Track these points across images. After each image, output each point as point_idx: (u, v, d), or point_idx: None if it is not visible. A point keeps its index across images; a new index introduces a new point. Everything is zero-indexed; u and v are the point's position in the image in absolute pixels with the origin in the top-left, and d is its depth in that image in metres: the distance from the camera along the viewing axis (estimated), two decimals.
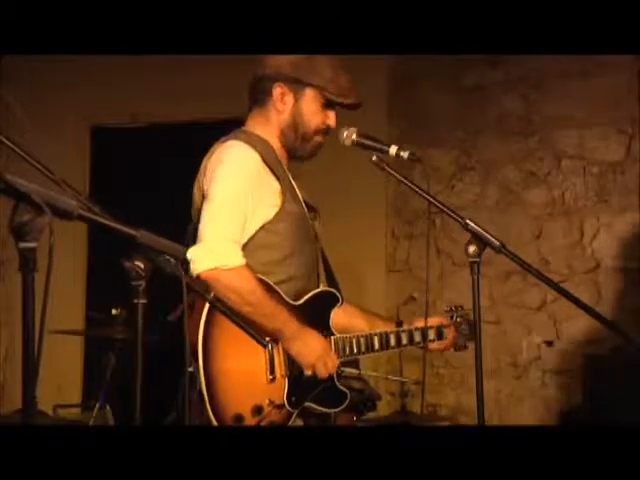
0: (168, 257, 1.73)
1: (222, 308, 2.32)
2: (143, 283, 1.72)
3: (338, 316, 2.70)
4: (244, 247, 2.53)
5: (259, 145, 2.61)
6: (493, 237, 2.36)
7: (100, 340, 4.40)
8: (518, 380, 4.82)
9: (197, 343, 2.38)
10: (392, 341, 2.75)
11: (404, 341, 2.78)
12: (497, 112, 4.96)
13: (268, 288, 2.53)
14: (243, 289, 2.46)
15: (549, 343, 4.77)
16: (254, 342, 2.37)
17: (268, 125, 2.69)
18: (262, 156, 2.59)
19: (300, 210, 2.68)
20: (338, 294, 2.71)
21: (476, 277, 2.35)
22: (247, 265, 2.48)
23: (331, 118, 2.71)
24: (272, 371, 2.51)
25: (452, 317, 2.92)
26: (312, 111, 2.67)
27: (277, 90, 2.66)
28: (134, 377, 1.73)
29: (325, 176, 4.33)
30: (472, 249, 2.36)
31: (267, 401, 2.48)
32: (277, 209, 2.59)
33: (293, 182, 2.71)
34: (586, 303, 2.51)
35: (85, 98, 5.47)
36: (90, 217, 1.62)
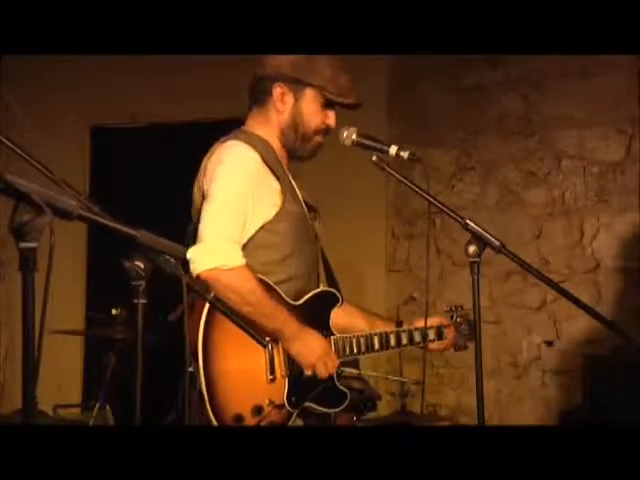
0: (168, 257, 1.73)
1: (222, 308, 2.32)
2: (143, 283, 1.72)
3: (338, 316, 2.70)
4: (244, 247, 2.53)
5: (259, 145, 2.61)
6: (493, 237, 2.36)
7: (100, 340, 4.40)
8: (518, 380, 4.82)
9: (197, 343, 2.38)
10: (392, 341, 2.75)
11: (404, 341, 2.78)
12: (497, 112, 4.96)
13: (268, 288, 2.53)
14: (243, 289, 2.46)
15: (549, 343, 4.77)
16: (254, 342, 2.37)
17: (268, 125, 2.69)
18: (262, 156, 2.59)
19: (300, 210, 2.68)
20: (338, 294, 2.71)
21: (476, 277, 2.35)
22: (247, 265, 2.48)
23: (331, 118, 2.71)
24: (272, 371, 2.51)
25: (452, 317, 2.92)
26: (312, 111, 2.67)
27: (277, 90, 2.66)
28: (134, 377, 1.73)
29: (325, 176, 4.33)
30: (472, 249, 2.36)
31: (267, 401, 2.48)
32: (277, 209, 2.59)
33: (293, 182, 2.71)
34: (586, 303, 2.51)
35: (85, 98, 5.47)
36: (90, 217, 1.62)
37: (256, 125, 2.69)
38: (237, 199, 2.51)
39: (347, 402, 2.66)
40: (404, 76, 5.14)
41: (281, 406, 2.51)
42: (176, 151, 4.99)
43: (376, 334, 2.73)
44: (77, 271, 5.56)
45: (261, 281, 2.51)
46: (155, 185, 5.29)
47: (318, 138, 2.71)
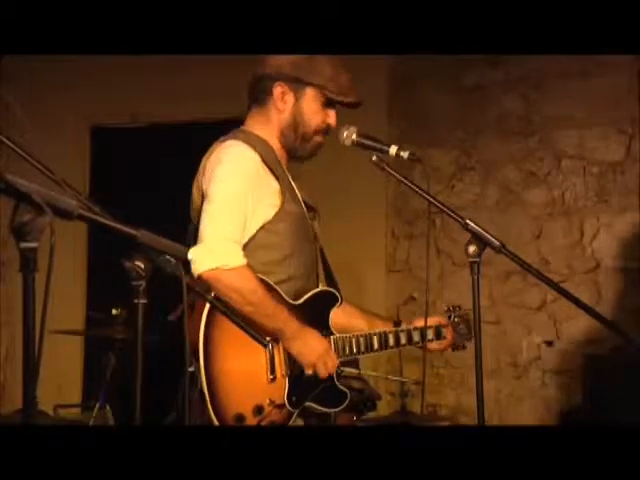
0: (168, 257, 1.73)
1: (222, 308, 2.32)
2: (143, 283, 1.72)
3: (337, 316, 2.70)
4: (245, 247, 2.53)
5: (258, 145, 2.61)
6: (493, 237, 2.36)
7: (100, 340, 4.40)
8: (518, 380, 4.82)
9: (198, 343, 2.38)
10: (391, 341, 2.76)
11: (403, 341, 2.78)
12: (497, 112, 4.96)
13: (269, 288, 2.53)
14: (244, 289, 2.46)
15: (549, 343, 4.77)
16: (254, 342, 2.37)
17: (268, 125, 2.69)
18: (261, 156, 2.59)
19: (299, 210, 2.68)
20: (337, 294, 2.71)
21: (476, 277, 2.35)
22: (248, 265, 2.48)
23: (331, 117, 2.71)
24: (273, 371, 2.51)
25: (450, 317, 2.92)
26: (313, 110, 2.67)
27: (278, 89, 2.66)
28: (134, 377, 1.73)
29: (325, 176, 4.33)
30: (472, 249, 2.36)
31: (268, 401, 2.48)
32: (277, 209, 2.59)
33: (292, 182, 2.71)
34: (586, 303, 2.51)
35: (85, 98, 5.47)
36: (90, 217, 1.62)
37: (256, 125, 2.69)
38: (237, 199, 2.51)
39: (347, 402, 2.66)
40: (404, 76, 5.14)
41: (282, 406, 2.51)
42: (176, 151, 4.98)
43: (375, 334, 2.73)
44: (77, 271, 5.56)
45: (262, 281, 2.51)
46: (155, 185, 5.29)
47: (318, 138, 2.71)
